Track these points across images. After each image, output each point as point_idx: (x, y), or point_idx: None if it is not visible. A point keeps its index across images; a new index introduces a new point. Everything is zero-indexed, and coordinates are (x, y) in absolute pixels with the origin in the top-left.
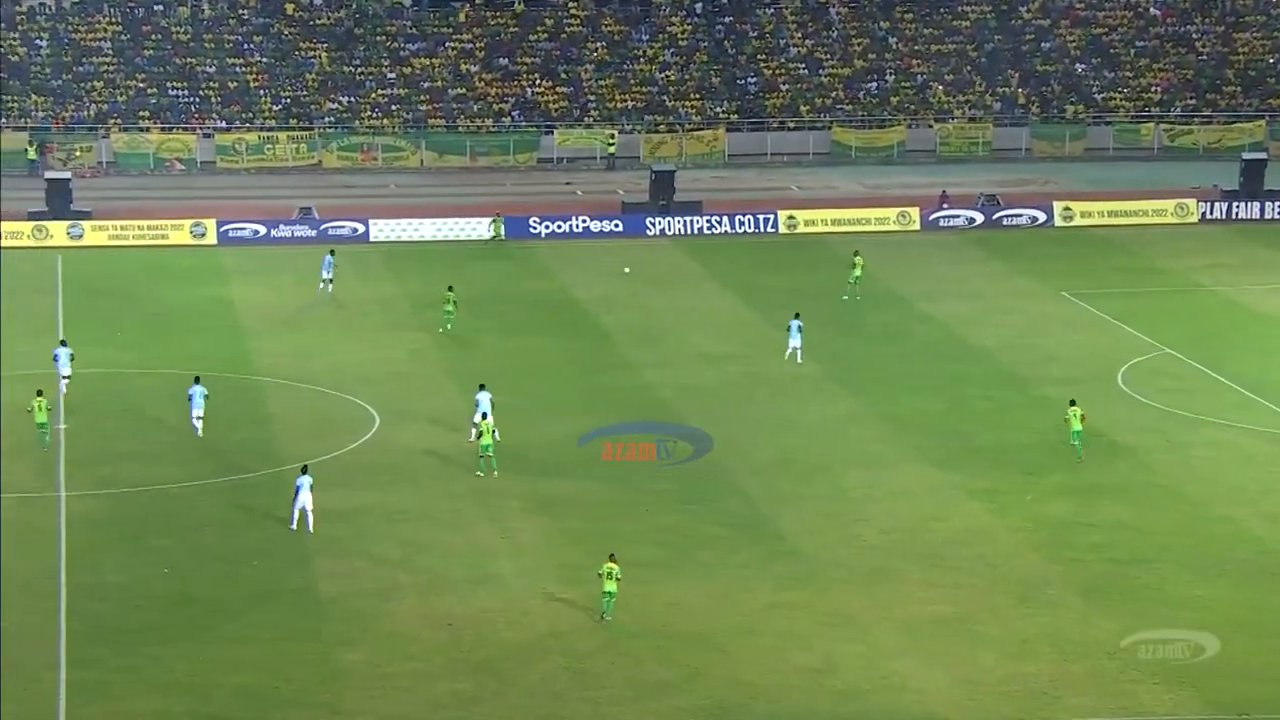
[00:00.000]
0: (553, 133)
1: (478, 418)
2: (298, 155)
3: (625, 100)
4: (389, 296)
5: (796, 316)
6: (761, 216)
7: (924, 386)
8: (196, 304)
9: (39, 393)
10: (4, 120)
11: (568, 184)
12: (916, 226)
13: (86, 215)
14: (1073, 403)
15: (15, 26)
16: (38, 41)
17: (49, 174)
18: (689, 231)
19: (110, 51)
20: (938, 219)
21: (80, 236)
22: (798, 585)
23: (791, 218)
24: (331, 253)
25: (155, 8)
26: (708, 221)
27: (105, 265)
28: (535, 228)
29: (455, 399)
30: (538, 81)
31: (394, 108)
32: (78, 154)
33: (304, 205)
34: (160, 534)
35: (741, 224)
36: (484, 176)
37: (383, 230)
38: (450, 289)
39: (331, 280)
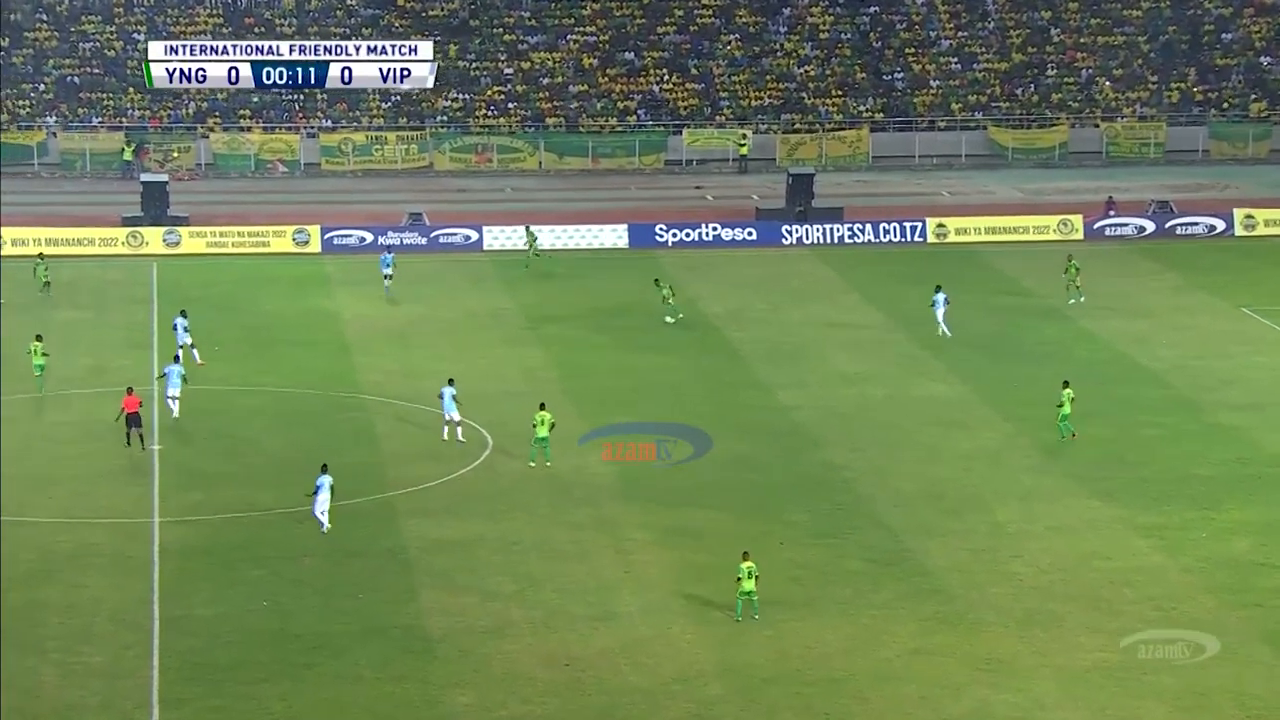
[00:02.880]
0: (681, 133)
1: (449, 415)
2: (407, 157)
3: (760, 97)
4: (503, 309)
5: (939, 289)
6: (909, 224)
7: (1086, 411)
8: (299, 316)
9: (38, 337)
10: (99, 120)
11: (697, 188)
12: (1080, 236)
13: (184, 221)
14: (1066, 384)
15: (112, 20)
16: (135, 35)
17: (145, 177)
18: (829, 240)
19: None
20: (1104, 228)
21: (177, 243)
22: (945, 627)
23: (941, 226)
24: (389, 249)
25: None
26: (849, 230)
27: (203, 274)
28: (661, 235)
29: (575, 421)
30: (666, 77)
31: (511, 106)
32: (175, 155)
33: (414, 210)
34: (257, 564)
35: (886, 232)
36: (607, 180)
37: (497, 238)
38: (657, 280)
39: (390, 277)
